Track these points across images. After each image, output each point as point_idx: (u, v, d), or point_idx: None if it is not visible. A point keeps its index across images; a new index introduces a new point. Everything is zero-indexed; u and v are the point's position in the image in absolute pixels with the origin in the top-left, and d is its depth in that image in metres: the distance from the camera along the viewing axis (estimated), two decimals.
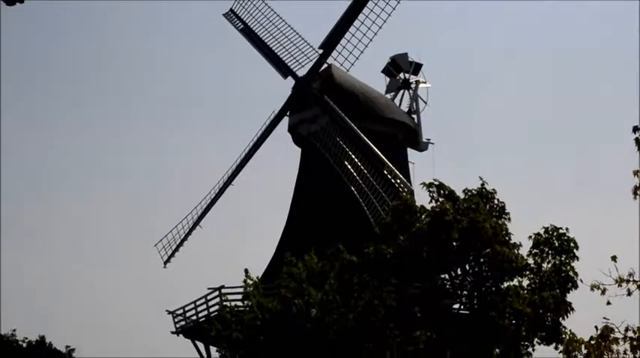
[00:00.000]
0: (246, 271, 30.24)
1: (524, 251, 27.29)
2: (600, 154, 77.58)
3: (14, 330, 51.83)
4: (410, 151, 44.58)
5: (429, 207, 27.64)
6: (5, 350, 46.92)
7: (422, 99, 45.88)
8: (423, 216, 27.48)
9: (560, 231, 27.21)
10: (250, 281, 30.06)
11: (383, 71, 45.78)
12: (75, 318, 71.06)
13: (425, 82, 46.04)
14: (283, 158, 50.40)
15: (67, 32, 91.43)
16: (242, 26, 46.19)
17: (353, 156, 40.00)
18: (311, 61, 43.02)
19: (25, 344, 49.90)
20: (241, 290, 32.71)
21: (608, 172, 67.76)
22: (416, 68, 45.83)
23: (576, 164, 78.72)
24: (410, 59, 45.55)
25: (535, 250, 27.38)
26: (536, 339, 26.53)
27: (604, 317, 16.49)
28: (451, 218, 26.35)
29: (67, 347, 52.87)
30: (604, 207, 65.00)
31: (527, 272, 27.13)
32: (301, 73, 43.23)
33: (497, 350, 26.66)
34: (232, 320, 29.92)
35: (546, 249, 27.26)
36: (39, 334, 52.20)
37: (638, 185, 16.24)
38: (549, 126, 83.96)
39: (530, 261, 27.30)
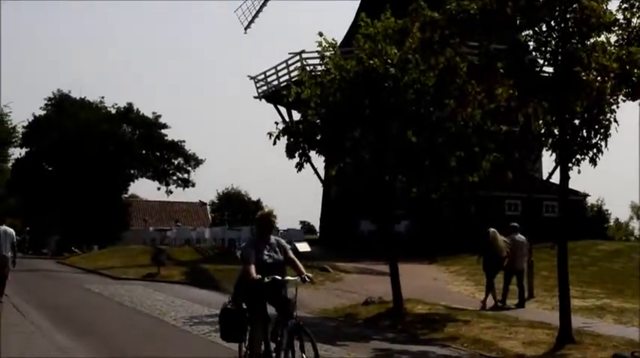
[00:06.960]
0: (320, 34, 29.87)
1: (613, 6, 26.23)
2: None
3: (102, 97, 53.18)
4: None
5: None
6: (95, 115, 48.41)
7: None
8: None
9: None
10: (325, 44, 29.76)
11: None
12: (160, 86, 72.82)
13: None
14: None
15: None
16: None
17: None
18: None
19: (114, 110, 51.41)
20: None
21: None
22: None
23: None
24: None
25: (625, 5, 26.22)
26: (621, 96, 25.94)
27: None
28: None
29: (153, 113, 54.24)
30: None
31: (616, 28, 26.12)
32: None
33: (580, 106, 26.16)
34: (312, 82, 30.01)
35: (637, 3, 26.05)
36: (127, 101, 53.41)
37: None
38: None
39: (620, 16, 26.22)
